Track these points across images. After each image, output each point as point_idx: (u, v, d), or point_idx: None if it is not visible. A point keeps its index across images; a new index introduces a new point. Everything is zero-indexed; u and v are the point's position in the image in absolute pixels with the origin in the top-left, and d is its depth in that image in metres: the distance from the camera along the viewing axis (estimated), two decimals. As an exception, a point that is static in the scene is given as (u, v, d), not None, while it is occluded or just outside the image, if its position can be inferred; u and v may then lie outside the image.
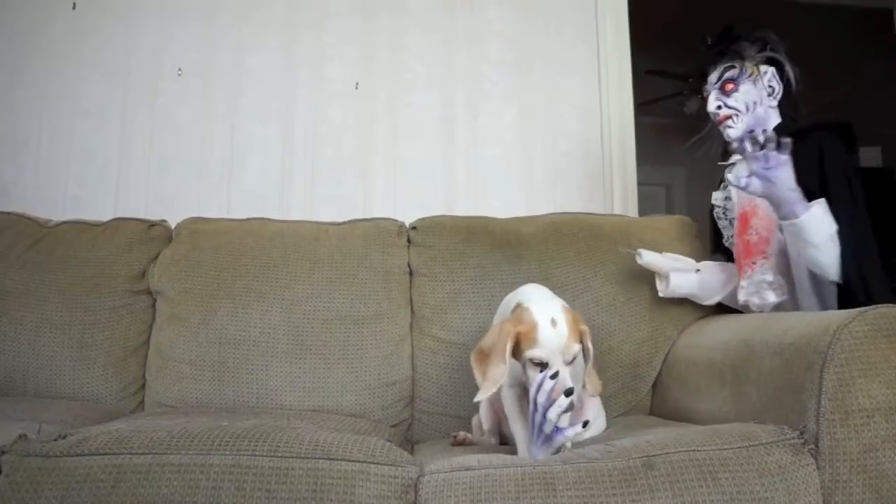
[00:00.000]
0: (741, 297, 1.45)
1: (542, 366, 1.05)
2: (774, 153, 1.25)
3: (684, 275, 1.54)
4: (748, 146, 1.26)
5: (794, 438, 0.98)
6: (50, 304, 1.57)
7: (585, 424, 1.04)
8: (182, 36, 2.22)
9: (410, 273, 1.65)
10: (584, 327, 1.10)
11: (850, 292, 1.29)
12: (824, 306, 1.37)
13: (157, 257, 1.66)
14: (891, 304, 1.04)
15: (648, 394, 1.56)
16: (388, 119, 2.25)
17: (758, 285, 1.42)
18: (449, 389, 1.54)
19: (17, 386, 1.52)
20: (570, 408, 1.01)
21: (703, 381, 1.34)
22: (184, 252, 1.65)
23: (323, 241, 1.66)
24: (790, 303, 1.43)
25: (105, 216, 1.81)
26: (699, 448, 0.97)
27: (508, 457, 1.02)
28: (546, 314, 1.07)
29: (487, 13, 2.34)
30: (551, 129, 2.30)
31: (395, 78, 2.27)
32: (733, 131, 1.50)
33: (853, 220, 1.31)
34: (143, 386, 1.57)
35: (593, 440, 1.15)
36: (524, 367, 1.08)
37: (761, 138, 1.25)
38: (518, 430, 1.12)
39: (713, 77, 1.54)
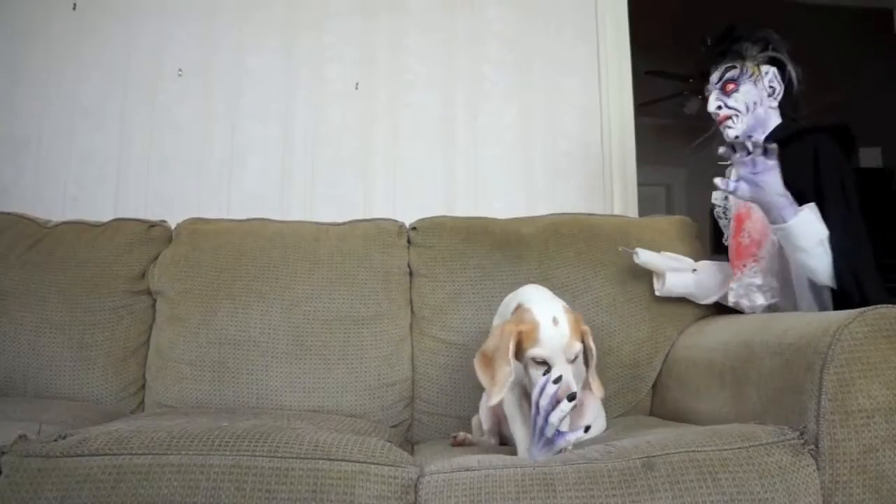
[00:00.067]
0: (731, 299, 1.48)
1: (544, 365, 1.05)
2: (762, 158, 1.25)
3: (681, 274, 1.55)
4: (735, 151, 1.27)
5: (794, 439, 0.98)
6: (50, 304, 1.57)
7: (587, 429, 1.04)
8: (182, 36, 2.22)
9: (410, 273, 1.65)
10: (586, 327, 1.11)
11: (846, 294, 1.29)
12: (822, 308, 1.37)
13: (157, 258, 1.66)
14: (891, 305, 1.04)
15: (648, 394, 1.56)
16: (388, 119, 2.25)
17: (746, 288, 1.44)
18: (449, 390, 1.54)
19: (17, 386, 1.52)
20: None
21: (703, 381, 1.34)
22: (184, 252, 1.65)
23: (323, 241, 1.66)
24: (790, 304, 1.43)
25: (105, 216, 1.81)
26: (699, 449, 0.97)
27: (508, 457, 1.02)
28: (547, 313, 1.07)
29: (487, 13, 2.34)
30: (551, 130, 2.30)
31: (395, 78, 2.27)
32: (733, 131, 1.50)
33: (846, 223, 1.31)
34: (143, 386, 1.57)
35: (593, 441, 1.15)
36: (526, 367, 1.08)
37: (749, 144, 1.26)
38: (518, 431, 1.11)
39: (714, 77, 1.54)
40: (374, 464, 0.95)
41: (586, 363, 1.15)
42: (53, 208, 2.04)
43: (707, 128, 1.62)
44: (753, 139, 1.28)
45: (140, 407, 1.55)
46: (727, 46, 1.52)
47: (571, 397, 0.99)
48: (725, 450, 0.97)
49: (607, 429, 1.31)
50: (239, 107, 2.21)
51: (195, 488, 0.90)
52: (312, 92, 2.24)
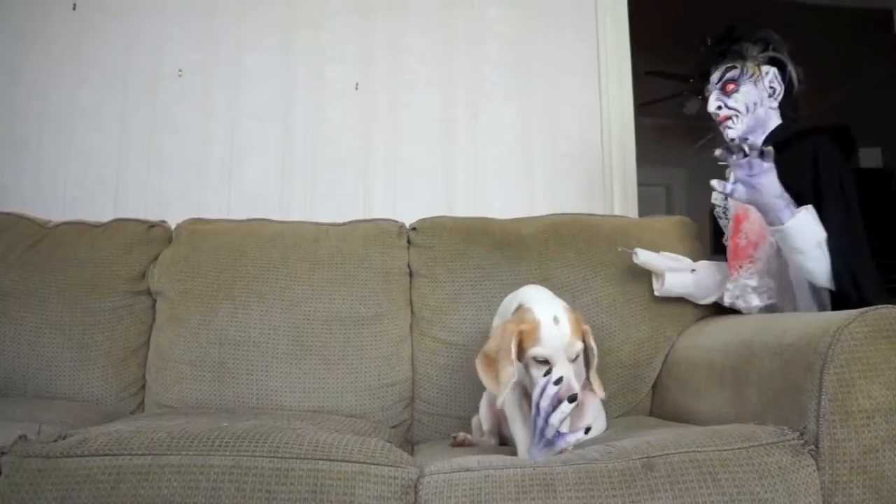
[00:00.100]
0: (726, 300, 1.48)
1: (546, 364, 1.05)
2: (758, 161, 1.25)
3: (680, 274, 1.55)
4: (731, 154, 1.27)
5: (794, 439, 0.98)
6: (50, 304, 1.57)
7: (587, 431, 1.04)
8: (182, 36, 2.22)
9: (410, 274, 1.65)
10: (587, 326, 1.11)
11: (844, 295, 1.29)
12: (822, 309, 1.37)
13: (157, 258, 1.66)
14: (891, 305, 1.04)
15: (648, 394, 1.56)
16: (387, 119, 2.25)
17: (742, 289, 1.44)
18: (449, 390, 1.54)
19: (17, 386, 1.52)
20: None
21: (703, 381, 1.34)
22: (184, 253, 1.65)
23: (323, 241, 1.66)
24: (789, 305, 1.43)
25: (105, 216, 1.81)
26: (699, 449, 0.97)
27: (508, 458, 1.02)
28: (548, 313, 1.07)
29: (487, 13, 2.33)
30: (551, 130, 2.30)
31: (395, 78, 2.27)
32: (733, 132, 1.50)
33: (844, 224, 1.31)
34: (143, 387, 1.57)
35: (593, 441, 1.15)
36: (527, 366, 1.08)
37: (745, 146, 1.26)
38: (518, 432, 1.11)
39: (714, 77, 1.54)
40: (374, 464, 0.95)
41: (587, 363, 1.15)
42: (53, 208, 2.04)
43: (707, 128, 1.62)
44: (750, 142, 1.28)
45: (140, 407, 1.55)
46: (727, 47, 1.53)
47: (573, 398, 0.99)
48: (725, 450, 0.97)
49: (607, 429, 1.31)
50: (238, 107, 2.20)
51: (195, 489, 0.90)
52: (312, 92, 2.23)
